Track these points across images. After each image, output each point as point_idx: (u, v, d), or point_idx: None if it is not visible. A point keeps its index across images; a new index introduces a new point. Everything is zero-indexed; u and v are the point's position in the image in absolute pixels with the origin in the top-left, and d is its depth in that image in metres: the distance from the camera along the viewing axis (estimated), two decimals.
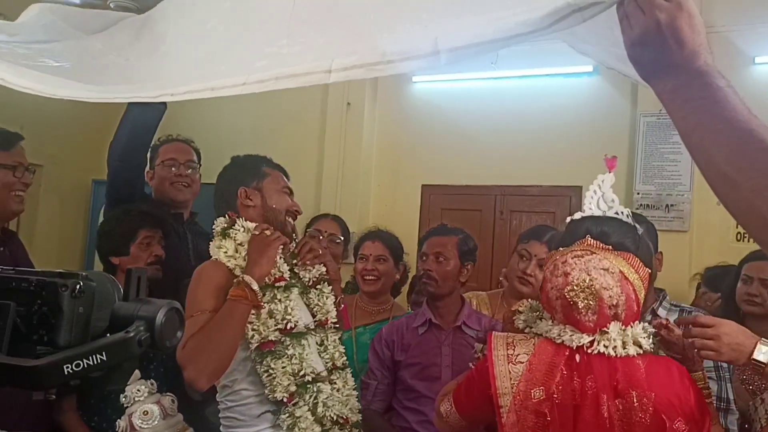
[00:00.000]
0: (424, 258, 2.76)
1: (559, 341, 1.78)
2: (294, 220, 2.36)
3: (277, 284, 2.19)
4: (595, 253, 1.81)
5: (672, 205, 4.80)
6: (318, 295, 2.34)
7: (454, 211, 5.39)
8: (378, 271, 3.11)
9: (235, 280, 2.10)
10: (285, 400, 2.09)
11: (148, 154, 3.02)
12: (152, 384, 2.04)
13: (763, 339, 1.84)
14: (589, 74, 5.13)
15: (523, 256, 2.80)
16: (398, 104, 5.82)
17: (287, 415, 2.10)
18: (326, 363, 2.28)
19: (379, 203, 5.75)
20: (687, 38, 0.96)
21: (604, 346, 1.74)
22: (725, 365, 2.39)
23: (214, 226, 2.31)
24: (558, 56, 4.92)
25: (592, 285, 1.75)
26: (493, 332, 1.88)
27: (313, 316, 2.32)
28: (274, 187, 2.31)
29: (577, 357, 1.76)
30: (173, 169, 3.02)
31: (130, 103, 2.80)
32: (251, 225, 2.24)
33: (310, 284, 2.35)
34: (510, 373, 1.74)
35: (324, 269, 2.39)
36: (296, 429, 2.09)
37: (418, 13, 1.70)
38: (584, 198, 2.00)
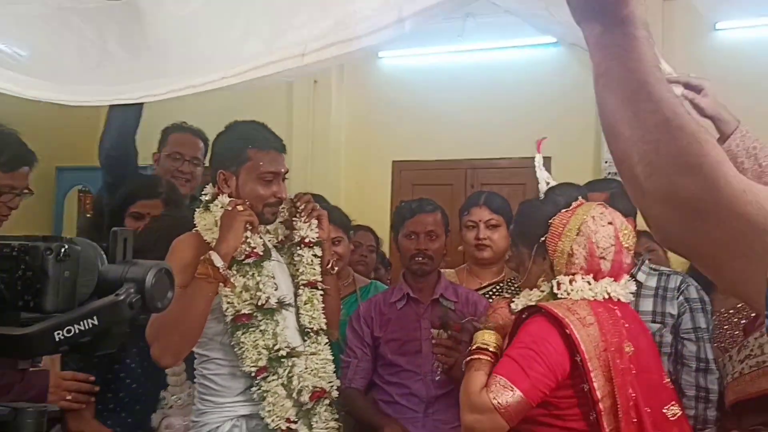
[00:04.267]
0: (413, 237, 2.72)
1: (608, 297, 1.86)
2: (278, 205, 2.28)
3: (247, 260, 2.16)
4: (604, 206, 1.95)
5: None
6: (306, 256, 2.32)
7: (425, 186, 5.40)
8: (337, 253, 3.07)
9: (201, 257, 2.07)
10: (254, 373, 2.11)
11: (159, 136, 3.22)
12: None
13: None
14: (555, 45, 5.14)
15: (469, 226, 2.88)
16: (366, 80, 5.78)
17: (257, 387, 2.13)
18: (309, 323, 2.27)
19: (349, 180, 5.73)
20: None
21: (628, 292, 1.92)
22: (703, 326, 2.44)
23: (203, 193, 2.27)
24: (523, 28, 4.92)
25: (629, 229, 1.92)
26: (546, 303, 1.84)
27: (297, 277, 2.31)
28: (250, 176, 2.20)
29: (617, 309, 1.86)
30: (177, 161, 3.12)
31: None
32: (227, 200, 2.20)
33: (299, 243, 2.33)
34: (589, 336, 1.75)
35: (316, 227, 2.35)
36: (266, 402, 2.11)
37: None
38: (541, 173, 2.08)
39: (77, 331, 0.72)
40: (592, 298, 1.84)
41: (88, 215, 5.75)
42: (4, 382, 2.03)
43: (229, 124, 2.34)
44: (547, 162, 5.25)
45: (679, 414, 1.87)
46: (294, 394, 2.16)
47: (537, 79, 5.19)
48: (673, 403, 1.88)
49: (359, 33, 1.66)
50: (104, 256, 0.82)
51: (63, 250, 0.74)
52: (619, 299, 1.89)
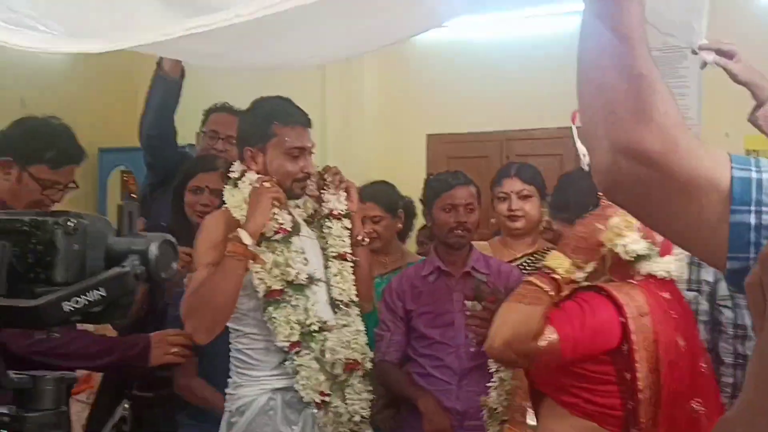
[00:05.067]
0: (450, 210, 2.70)
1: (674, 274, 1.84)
2: (306, 180, 2.30)
3: (275, 236, 2.19)
4: None
5: None
6: (335, 229, 2.35)
7: (460, 159, 5.36)
8: (375, 231, 3.09)
9: (230, 235, 2.10)
10: (287, 348, 2.16)
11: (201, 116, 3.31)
12: None
13: None
14: None
15: (501, 198, 2.89)
16: (399, 54, 5.73)
17: (291, 362, 2.17)
18: (339, 295, 2.30)
19: (383, 155, 5.72)
20: None
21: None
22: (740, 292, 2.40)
23: (231, 170, 2.30)
24: None
25: None
26: (608, 285, 1.81)
27: (327, 250, 2.34)
28: (277, 151, 2.23)
29: (666, 294, 1.82)
30: (213, 141, 3.20)
31: (154, 78, 3.07)
32: (255, 177, 2.23)
33: (327, 216, 2.36)
34: (642, 326, 1.72)
35: (345, 199, 2.37)
36: (299, 376, 2.16)
37: None
38: (580, 146, 2.03)
39: (85, 302, 0.74)
40: (656, 274, 1.82)
41: (133, 195, 5.88)
42: (103, 347, 2.18)
43: (255, 101, 2.36)
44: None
45: (701, 411, 1.80)
46: (327, 368, 2.19)
47: (572, 47, 5.07)
48: (698, 400, 1.81)
49: (394, 39, 1.64)
50: (112, 229, 0.85)
51: (71, 223, 0.77)
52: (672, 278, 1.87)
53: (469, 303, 2.40)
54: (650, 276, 1.83)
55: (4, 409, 0.78)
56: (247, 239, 2.08)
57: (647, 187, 0.84)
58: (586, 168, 1.95)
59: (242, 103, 3.03)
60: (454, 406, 2.57)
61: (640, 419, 1.70)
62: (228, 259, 2.08)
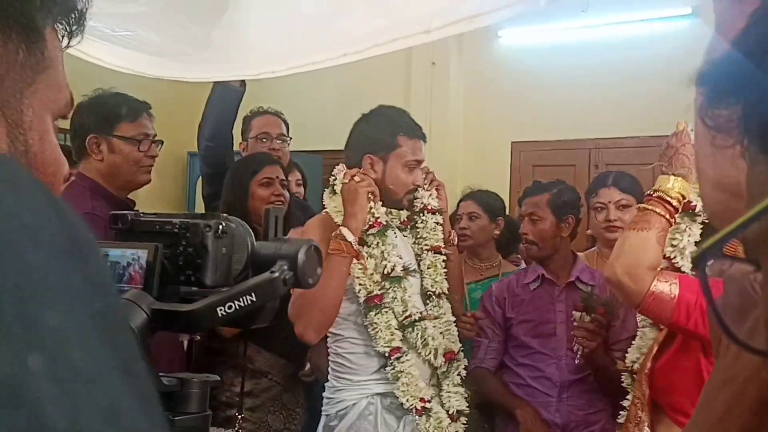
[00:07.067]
0: (519, 220, 2.72)
1: None
2: (414, 192, 2.33)
3: (371, 230, 2.20)
4: None
5: None
6: (429, 222, 2.36)
7: (546, 167, 5.26)
8: (469, 229, 3.09)
9: (333, 234, 2.12)
10: (388, 353, 2.15)
11: (241, 126, 3.21)
12: None
13: None
14: (687, 17, 4.87)
15: (598, 208, 2.82)
16: (484, 60, 5.69)
17: (392, 367, 2.16)
18: (432, 286, 2.31)
19: (468, 163, 5.67)
20: None
21: None
22: None
23: (333, 173, 2.32)
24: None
25: None
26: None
27: (421, 243, 2.36)
28: (398, 162, 2.25)
29: None
30: (265, 142, 3.15)
31: (214, 85, 3.00)
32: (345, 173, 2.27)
33: (421, 210, 2.38)
34: None
35: (436, 196, 2.39)
36: (400, 382, 2.15)
37: None
38: None
39: (237, 307, 0.74)
40: None
41: None
42: None
43: (375, 110, 2.36)
44: None
45: None
46: (430, 356, 2.19)
47: (666, 54, 4.93)
48: None
49: (486, 9, 1.63)
50: (252, 234, 0.84)
51: (221, 227, 0.77)
52: None
53: (577, 314, 2.33)
54: None
55: None
56: (349, 236, 2.10)
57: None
58: None
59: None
60: (554, 419, 2.50)
61: None
62: (332, 257, 2.09)
